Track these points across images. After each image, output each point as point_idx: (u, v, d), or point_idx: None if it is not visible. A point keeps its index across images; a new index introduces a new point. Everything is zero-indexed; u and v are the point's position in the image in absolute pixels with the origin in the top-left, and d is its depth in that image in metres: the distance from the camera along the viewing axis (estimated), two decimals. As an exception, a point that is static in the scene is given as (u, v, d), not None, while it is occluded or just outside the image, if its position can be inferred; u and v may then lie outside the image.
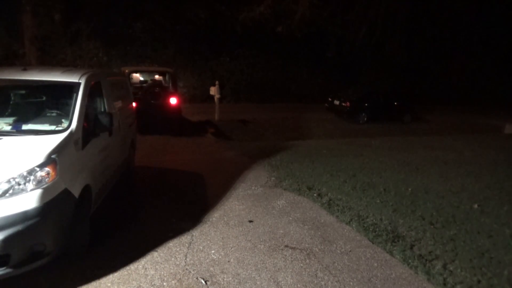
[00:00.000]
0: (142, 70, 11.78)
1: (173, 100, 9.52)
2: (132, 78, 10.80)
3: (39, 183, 2.70)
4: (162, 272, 3.14)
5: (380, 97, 14.81)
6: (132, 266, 3.20)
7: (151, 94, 9.42)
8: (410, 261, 3.53)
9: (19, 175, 2.66)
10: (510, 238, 4.18)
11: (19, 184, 2.64)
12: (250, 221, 4.29)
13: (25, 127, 3.39)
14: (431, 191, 5.77)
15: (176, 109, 9.66)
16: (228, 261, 3.37)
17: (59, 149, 2.96)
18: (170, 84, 10.28)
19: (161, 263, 3.27)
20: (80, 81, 3.70)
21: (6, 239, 2.47)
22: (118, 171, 4.82)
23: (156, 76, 11.26)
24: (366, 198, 5.27)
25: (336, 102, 14.70)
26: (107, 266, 3.16)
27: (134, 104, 7.24)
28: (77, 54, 16.05)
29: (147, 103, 8.97)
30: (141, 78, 11.29)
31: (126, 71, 10.23)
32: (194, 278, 3.07)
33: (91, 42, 16.30)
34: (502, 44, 21.96)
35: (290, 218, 4.44)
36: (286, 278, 3.14)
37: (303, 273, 3.24)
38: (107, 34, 16.58)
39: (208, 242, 3.73)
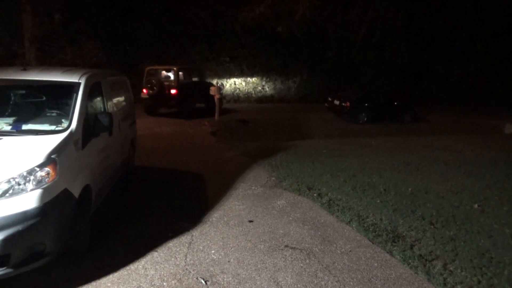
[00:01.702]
0: (156, 68, 13.71)
1: (172, 91, 12.55)
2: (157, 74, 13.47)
3: (39, 183, 2.70)
4: (162, 272, 3.14)
5: (380, 97, 14.80)
6: (132, 266, 3.20)
7: (150, 86, 12.61)
8: (410, 261, 3.53)
9: (19, 175, 2.66)
10: (510, 238, 4.18)
11: (19, 184, 2.64)
12: (250, 221, 4.29)
13: (25, 127, 3.39)
14: (431, 191, 5.77)
15: (174, 97, 12.57)
16: (228, 261, 3.37)
17: (59, 149, 2.96)
18: (174, 79, 12.83)
19: (161, 263, 3.27)
20: (80, 81, 3.70)
21: (6, 239, 2.47)
22: (118, 171, 4.82)
23: (163, 72, 13.32)
24: (366, 198, 5.27)
25: (336, 102, 14.68)
26: (107, 266, 3.16)
27: (145, 91, 12.66)
28: (77, 54, 16.04)
29: (148, 93, 12.63)
30: (169, 75, 13.42)
31: (146, 68, 13.45)
32: (194, 278, 3.07)
33: (91, 42, 16.29)
34: (502, 44, 21.95)
35: (290, 218, 4.44)
36: (286, 278, 3.14)
37: (303, 273, 3.24)
38: (107, 34, 16.58)
39: (208, 242, 3.73)
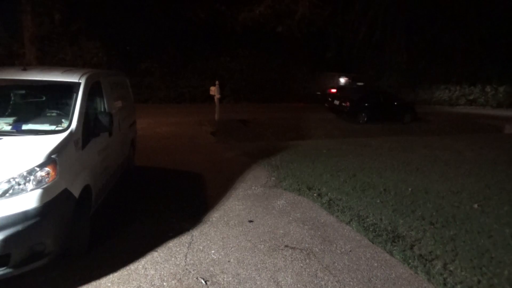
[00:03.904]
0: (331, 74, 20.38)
1: (333, 90, 17.15)
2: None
3: (39, 183, 2.69)
4: (162, 272, 3.14)
5: (380, 97, 14.80)
6: (132, 266, 3.20)
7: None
8: (410, 261, 3.53)
9: (19, 175, 2.66)
10: (510, 238, 4.18)
11: (19, 184, 2.64)
12: (250, 221, 4.29)
13: (25, 127, 3.39)
14: (431, 191, 5.77)
15: (331, 95, 16.38)
16: (228, 261, 3.37)
17: (59, 149, 2.96)
18: (335, 82, 19.04)
19: (161, 263, 3.27)
20: (80, 81, 3.70)
21: (6, 239, 2.47)
22: (118, 171, 4.81)
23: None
24: (366, 198, 5.28)
25: (336, 102, 14.69)
26: (107, 266, 3.16)
27: (334, 90, 16.88)
28: (77, 54, 16.04)
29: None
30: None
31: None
32: (194, 278, 3.07)
33: (91, 42, 16.29)
34: (502, 44, 21.95)
35: (290, 218, 4.44)
36: (286, 278, 3.14)
37: (303, 273, 3.24)
38: (107, 34, 16.57)
39: (208, 242, 3.73)
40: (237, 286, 3.00)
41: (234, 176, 6.04)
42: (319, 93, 19.34)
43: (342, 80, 18.12)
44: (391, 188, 5.79)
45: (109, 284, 2.93)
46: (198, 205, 4.73)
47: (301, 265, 3.36)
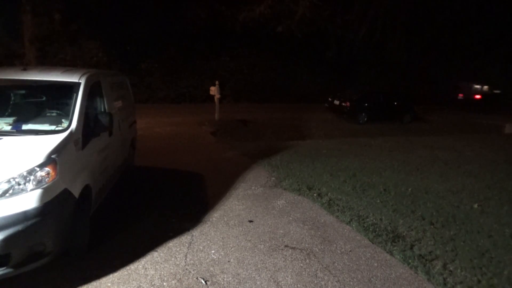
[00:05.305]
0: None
1: (477, 96, 22.72)
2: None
3: (39, 183, 2.69)
4: (162, 272, 3.14)
5: (380, 97, 14.80)
6: (132, 266, 3.20)
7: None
8: (410, 261, 3.53)
9: (19, 175, 2.66)
10: (510, 238, 4.18)
11: (19, 184, 2.64)
12: (250, 221, 4.29)
13: (25, 127, 3.39)
14: (431, 191, 5.77)
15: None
16: (228, 261, 3.37)
17: (59, 149, 2.96)
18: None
19: (161, 263, 3.27)
20: (80, 81, 3.70)
21: (6, 239, 2.47)
22: (118, 171, 4.81)
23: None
24: (366, 198, 5.27)
25: (336, 102, 14.69)
26: (107, 266, 3.16)
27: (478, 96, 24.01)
28: (77, 54, 16.03)
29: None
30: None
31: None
32: (194, 278, 3.07)
33: (91, 42, 16.29)
34: (502, 44, 21.93)
35: (290, 218, 4.44)
36: (286, 278, 3.14)
37: (303, 273, 3.24)
38: (107, 34, 16.57)
39: (208, 242, 3.73)
40: (237, 286, 3.00)
41: (234, 176, 6.04)
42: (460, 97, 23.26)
43: (483, 88, 21.78)
44: (391, 188, 5.79)
45: (109, 284, 2.93)
46: (198, 205, 4.73)
47: (301, 265, 3.36)
